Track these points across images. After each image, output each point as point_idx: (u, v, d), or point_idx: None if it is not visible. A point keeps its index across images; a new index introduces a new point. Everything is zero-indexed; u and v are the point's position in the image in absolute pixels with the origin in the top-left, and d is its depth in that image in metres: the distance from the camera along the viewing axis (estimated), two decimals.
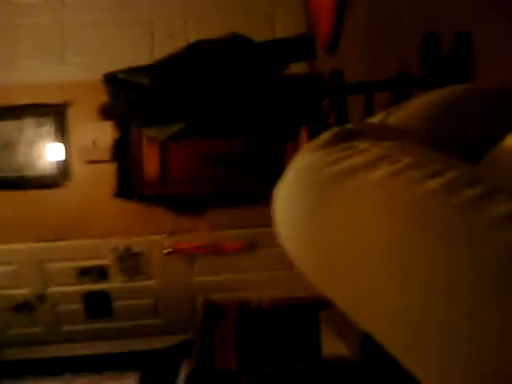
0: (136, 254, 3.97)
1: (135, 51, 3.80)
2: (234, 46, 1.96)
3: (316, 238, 0.49)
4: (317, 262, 0.50)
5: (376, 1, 2.90)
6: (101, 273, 4.00)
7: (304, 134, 2.25)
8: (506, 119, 0.56)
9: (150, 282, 4.07)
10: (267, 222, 0.61)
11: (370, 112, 2.46)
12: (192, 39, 2.21)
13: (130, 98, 2.05)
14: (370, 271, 0.43)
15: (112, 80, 2.05)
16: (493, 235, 0.37)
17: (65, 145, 3.96)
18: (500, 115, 0.58)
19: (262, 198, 1.20)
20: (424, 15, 2.34)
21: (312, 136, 2.20)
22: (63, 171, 3.97)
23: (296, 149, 2.30)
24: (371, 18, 2.97)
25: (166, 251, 3.89)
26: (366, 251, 0.43)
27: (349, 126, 0.56)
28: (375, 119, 0.61)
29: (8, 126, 3.93)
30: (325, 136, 0.54)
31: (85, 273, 3.98)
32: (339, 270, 0.47)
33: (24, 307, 3.98)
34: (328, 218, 0.47)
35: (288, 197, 0.54)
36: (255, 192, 3.35)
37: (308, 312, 2.79)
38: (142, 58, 2.37)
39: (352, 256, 0.45)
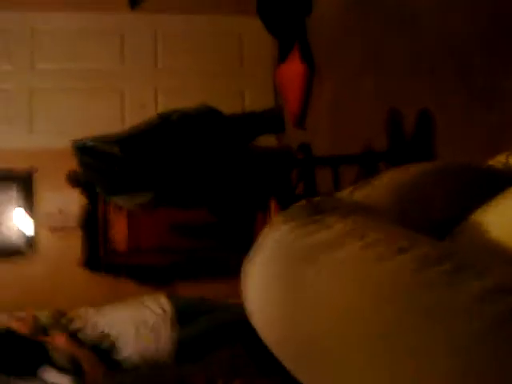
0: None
1: (105, 119, 3.82)
2: (203, 117, 2.00)
3: (292, 320, 0.47)
4: (293, 344, 0.48)
5: (341, 79, 3.03)
6: None
7: (273, 205, 2.26)
8: (470, 197, 0.57)
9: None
10: (238, 295, 0.59)
11: (337, 184, 2.51)
12: (162, 110, 2.23)
13: (100, 166, 2.04)
14: (347, 352, 0.42)
15: (81, 148, 2.04)
16: (467, 313, 0.36)
17: (30, 212, 3.87)
18: (464, 193, 0.60)
19: (233, 269, 1.18)
20: (387, 93, 2.45)
21: (281, 206, 2.21)
22: (27, 240, 3.85)
23: (265, 219, 2.30)
24: (337, 95, 3.10)
25: None
26: (342, 331, 0.42)
27: (316, 199, 0.56)
28: (343, 193, 0.61)
29: None
30: (292, 209, 0.54)
31: None
32: (316, 351, 0.45)
33: None
34: (301, 298, 0.46)
35: (259, 276, 0.52)
36: (226, 263, 3.30)
37: None
38: (113, 127, 2.36)
39: (329, 337, 0.43)
